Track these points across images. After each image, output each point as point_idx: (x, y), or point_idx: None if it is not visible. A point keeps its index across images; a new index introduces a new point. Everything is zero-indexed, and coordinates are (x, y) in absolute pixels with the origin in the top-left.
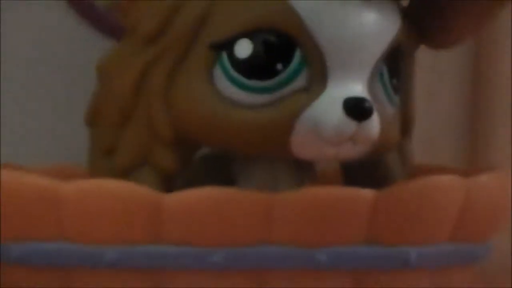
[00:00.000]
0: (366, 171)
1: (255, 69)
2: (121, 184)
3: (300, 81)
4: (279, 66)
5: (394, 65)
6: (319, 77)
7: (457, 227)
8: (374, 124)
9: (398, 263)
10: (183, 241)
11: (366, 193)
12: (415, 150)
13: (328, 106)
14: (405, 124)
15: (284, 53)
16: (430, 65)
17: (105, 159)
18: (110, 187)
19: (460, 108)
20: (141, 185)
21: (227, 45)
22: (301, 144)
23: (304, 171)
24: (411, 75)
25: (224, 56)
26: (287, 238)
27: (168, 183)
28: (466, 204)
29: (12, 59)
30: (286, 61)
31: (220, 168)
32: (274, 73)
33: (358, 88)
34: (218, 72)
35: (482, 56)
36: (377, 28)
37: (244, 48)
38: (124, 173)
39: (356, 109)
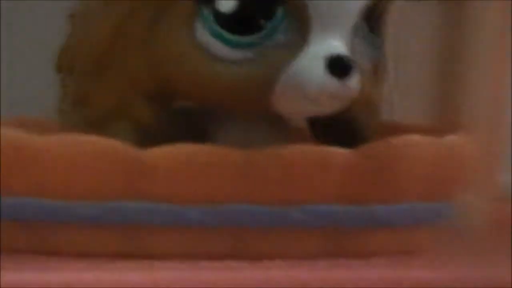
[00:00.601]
0: (334, 127)
1: (238, 24)
2: (98, 139)
3: (282, 37)
4: (262, 21)
5: (373, 21)
6: (301, 33)
7: (426, 186)
8: (355, 81)
9: (370, 221)
10: (160, 197)
11: (341, 152)
12: (386, 108)
13: (310, 63)
14: (377, 80)
15: (267, 7)
16: (400, 24)
17: (77, 109)
18: (87, 141)
19: (430, 66)
20: (116, 138)
21: None
22: (282, 100)
23: (279, 129)
24: (385, 30)
25: (207, 9)
26: (263, 196)
27: (143, 136)
28: (435, 163)
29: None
30: (269, 16)
31: (194, 123)
32: (257, 28)
33: (339, 45)
34: (199, 26)
35: (455, 17)
36: None
37: (227, 2)
38: (98, 124)
39: (338, 66)
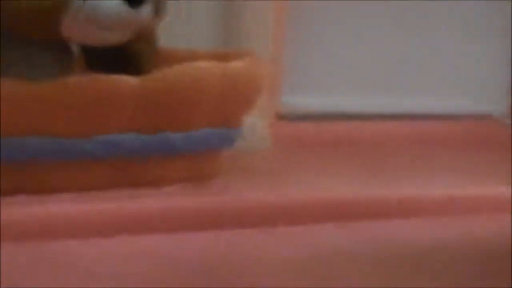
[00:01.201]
0: (110, 56)
1: None
2: None
3: None
4: None
5: None
6: None
7: (215, 112)
8: (147, 11)
9: (163, 149)
10: None
11: (129, 80)
12: (173, 34)
13: None
14: (157, 8)
15: None
16: None
17: None
18: None
19: None
20: None
21: None
22: (74, 26)
23: (64, 57)
24: None
25: None
26: (54, 129)
27: None
28: (223, 89)
29: None
30: None
31: None
32: None
33: None
34: None
35: None
36: None
37: None
38: None
39: None
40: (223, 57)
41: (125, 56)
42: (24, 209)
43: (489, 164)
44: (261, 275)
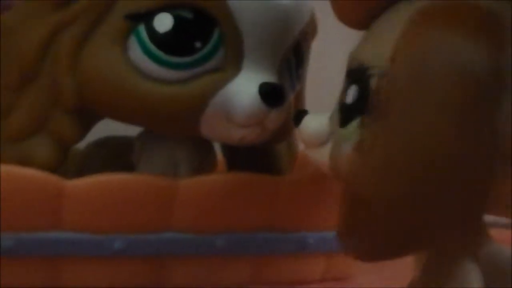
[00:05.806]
0: (253, 156)
1: (173, 45)
2: (21, 170)
3: (216, 61)
4: (197, 43)
5: (300, 55)
6: (235, 59)
7: None
8: (283, 111)
9: (296, 248)
10: (83, 227)
11: (269, 179)
12: None
13: (243, 89)
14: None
15: (203, 31)
16: None
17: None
18: (10, 171)
19: None
20: (35, 152)
21: (146, 17)
22: (211, 124)
23: (204, 154)
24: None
25: (142, 28)
26: (188, 224)
27: (64, 153)
28: None
29: None
30: (205, 39)
31: (117, 153)
32: (192, 50)
33: (271, 74)
34: (133, 44)
35: None
36: (293, 15)
37: (164, 23)
38: (19, 137)
39: (271, 94)
40: None
41: (265, 156)
42: None
43: None
44: None
